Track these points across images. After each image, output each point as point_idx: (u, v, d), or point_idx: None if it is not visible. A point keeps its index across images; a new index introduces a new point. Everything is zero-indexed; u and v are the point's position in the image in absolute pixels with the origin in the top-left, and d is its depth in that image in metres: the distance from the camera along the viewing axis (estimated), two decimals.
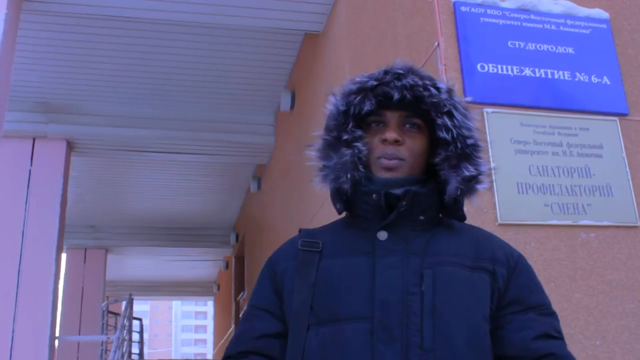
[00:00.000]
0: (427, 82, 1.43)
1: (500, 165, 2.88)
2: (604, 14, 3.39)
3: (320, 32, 5.64)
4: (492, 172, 1.47)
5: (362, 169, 1.41)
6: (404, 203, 1.37)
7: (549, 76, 3.15)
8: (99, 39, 6.09)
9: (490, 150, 2.89)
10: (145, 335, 17.12)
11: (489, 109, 2.98)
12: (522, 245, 2.78)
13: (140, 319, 13.07)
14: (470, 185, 1.41)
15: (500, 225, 2.79)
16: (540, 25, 3.25)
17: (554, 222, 2.88)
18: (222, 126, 7.71)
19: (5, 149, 7.20)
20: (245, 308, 1.49)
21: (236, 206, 11.66)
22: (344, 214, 1.52)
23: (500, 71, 3.08)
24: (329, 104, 1.49)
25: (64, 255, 11.47)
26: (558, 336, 1.40)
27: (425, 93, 1.41)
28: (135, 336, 12.32)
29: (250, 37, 6.11)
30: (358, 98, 1.43)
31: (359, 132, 1.43)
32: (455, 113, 1.42)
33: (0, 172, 7.16)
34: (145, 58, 6.47)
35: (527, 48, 3.18)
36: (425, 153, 1.45)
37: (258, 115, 7.80)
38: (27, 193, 7.33)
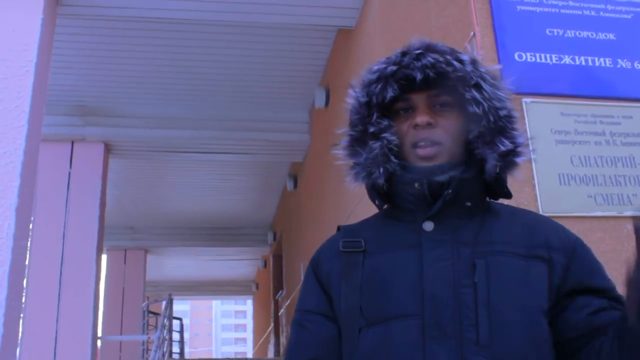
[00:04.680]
0: (449, 57, 1.33)
1: (540, 156, 2.81)
2: None
3: (353, 27, 5.60)
4: (530, 142, 1.37)
5: (394, 160, 1.33)
6: (450, 191, 1.28)
7: (590, 63, 3.06)
8: (134, 41, 6.14)
9: (530, 141, 2.82)
10: (186, 335, 17.29)
11: (528, 99, 2.90)
12: None
13: (180, 319, 13.19)
14: (508, 159, 1.31)
15: None
16: (579, 12, 3.16)
17: (598, 213, 2.79)
18: (257, 125, 7.72)
19: (44, 153, 7.27)
20: (295, 314, 1.43)
21: (273, 205, 11.69)
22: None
23: (538, 60, 3.00)
24: (349, 97, 1.40)
25: (104, 257, 11.65)
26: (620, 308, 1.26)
27: (449, 68, 1.31)
28: (176, 335, 12.44)
29: (283, 34, 6.10)
30: (379, 86, 1.34)
31: (385, 122, 1.34)
32: (484, 84, 1.32)
33: (40, 176, 7.25)
34: (180, 59, 6.51)
35: (566, 35, 3.09)
36: (461, 132, 1.35)
37: (293, 113, 7.80)
38: (67, 196, 7.45)
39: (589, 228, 2.76)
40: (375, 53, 4.74)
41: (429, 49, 1.35)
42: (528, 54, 3.00)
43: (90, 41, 6.09)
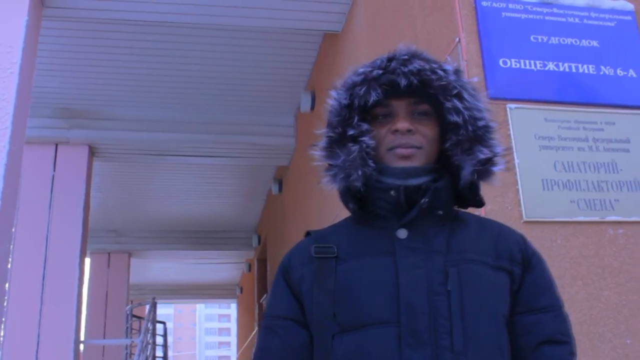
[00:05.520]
0: (434, 65, 1.36)
1: (524, 161, 2.83)
2: (629, 5, 3.32)
3: (339, 31, 5.61)
4: (507, 152, 1.40)
5: (372, 164, 1.34)
6: (426, 200, 1.31)
7: (573, 70, 3.09)
8: (120, 43, 6.11)
9: (514, 146, 2.84)
10: (170, 339, 17.22)
11: (512, 105, 2.92)
12: (548, 243, 2.73)
13: (164, 323, 13.13)
14: (486, 168, 1.35)
15: (525, 222, 2.74)
16: (564, 19, 3.19)
17: (581, 218, 2.82)
18: (242, 128, 7.71)
19: (28, 155, 7.21)
20: (265, 319, 1.44)
21: (258, 208, 11.67)
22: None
23: (523, 66, 3.03)
24: (330, 98, 1.42)
25: (87, 260, 11.57)
26: (563, 340, 1.35)
27: (433, 76, 1.34)
28: (159, 339, 12.38)
29: (270, 38, 6.10)
30: (363, 89, 1.36)
31: (365, 126, 1.36)
32: (465, 94, 1.36)
33: (23, 178, 7.20)
34: (165, 62, 6.49)
35: (550, 42, 3.12)
36: (437, 139, 1.39)
37: (278, 117, 7.79)
38: (51, 198, 7.39)
39: (571, 233, 2.78)
40: (361, 58, 4.76)
41: (415, 55, 1.38)
42: (513, 60, 3.03)
43: (75, 43, 6.06)
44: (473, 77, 2.88)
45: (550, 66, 3.06)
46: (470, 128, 1.34)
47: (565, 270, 2.71)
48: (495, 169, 1.36)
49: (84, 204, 7.48)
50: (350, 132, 1.36)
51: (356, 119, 1.36)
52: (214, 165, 9.13)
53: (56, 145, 7.57)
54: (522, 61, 3.04)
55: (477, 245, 1.35)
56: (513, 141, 2.85)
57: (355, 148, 1.34)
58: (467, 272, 1.29)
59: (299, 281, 1.38)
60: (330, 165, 1.38)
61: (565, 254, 2.74)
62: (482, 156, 1.34)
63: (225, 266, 15.72)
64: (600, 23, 3.24)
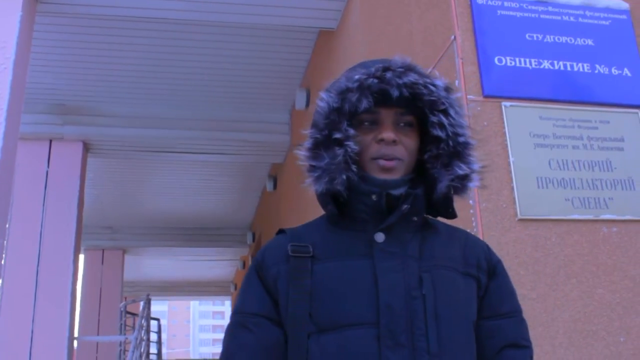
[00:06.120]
0: (427, 80, 1.39)
1: (519, 159, 2.84)
2: (624, 4, 3.33)
3: (334, 29, 5.61)
4: (484, 170, 1.45)
5: (354, 169, 1.36)
6: (408, 206, 1.35)
7: (568, 68, 3.09)
8: (114, 39, 6.10)
9: (509, 144, 2.85)
10: (164, 336, 17.20)
11: (507, 103, 2.93)
12: (542, 241, 2.74)
13: (158, 319, 13.12)
14: (462, 183, 1.39)
15: (520, 220, 2.74)
16: (559, 17, 3.19)
17: (575, 216, 2.83)
18: (237, 125, 7.70)
19: (22, 151, 7.21)
20: (235, 316, 1.41)
21: (252, 206, 11.67)
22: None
23: (518, 64, 3.03)
24: (320, 100, 1.42)
25: (82, 257, 11.55)
26: (523, 344, 1.42)
27: (425, 91, 1.37)
28: (153, 336, 12.37)
29: (265, 35, 6.09)
30: (355, 96, 1.36)
31: (351, 131, 1.37)
32: (451, 111, 1.39)
33: (17, 175, 7.16)
34: (160, 58, 6.47)
35: (545, 40, 3.12)
36: (417, 150, 1.42)
37: (273, 114, 7.79)
38: (45, 195, 7.37)
39: (565, 231, 2.79)
40: (356, 55, 4.76)
41: (409, 68, 1.40)
42: (508, 58, 3.03)
43: (70, 39, 6.04)
44: (468, 75, 2.90)
45: (546, 64, 3.06)
46: (451, 143, 1.38)
47: (560, 268, 2.72)
48: (470, 185, 1.40)
49: (78, 200, 7.47)
50: (337, 135, 1.37)
51: (345, 123, 1.37)
52: (209, 162, 9.12)
53: (50, 141, 7.55)
54: (517, 59, 3.04)
55: (447, 252, 1.40)
56: (508, 139, 2.85)
57: (340, 152, 1.35)
58: (439, 278, 1.34)
59: (274, 279, 1.38)
60: (312, 166, 1.39)
61: (560, 252, 2.75)
62: (460, 172, 1.38)
63: (219, 263, 15.72)
64: (595, 22, 3.24)
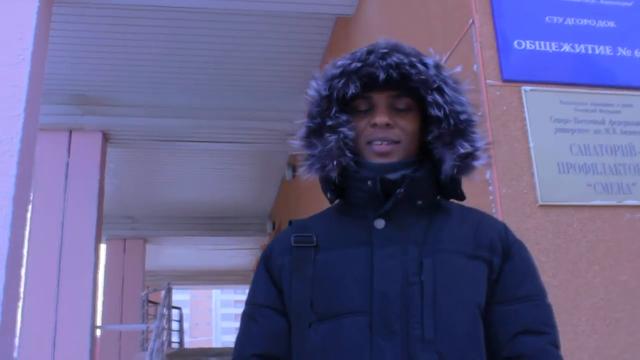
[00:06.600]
0: (413, 59, 1.35)
1: (539, 144, 2.79)
2: None
3: (351, 15, 5.56)
4: (490, 146, 1.40)
5: (349, 154, 1.35)
6: (402, 190, 1.31)
7: (589, 51, 3.03)
8: (132, 29, 6.10)
9: (529, 129, 2.80)
10: (186, 324, 17.33)
11: (527, 87, 2.88)
12: (564, 227, 2.69)
13: (179, 308, 13.22)
14: (466, 162, 1.35)
15: (540, 206, 2.70)
16: None
17: (598, 202, 2.78)
18: (255, 114, 7.69)
19: (42, 142, 7.26)
20: (246, 306, 1.46)
21: (272, 194, 11.68)
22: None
23: (538, 48, 2.97)
24: (311, 89, 1.42)
25: (104, 246, 11.65)
26: (541, 330, 1.32)
27: (412, 70, 1.34)
28: (175, 325, 12.46)
29: (282, 22, 6.06)
30: (341, 82, 1.35)
31: (344, 117, 1.36)
32: (446, 88, 1.35)
33: (38, 165, 7.25)
34: (178, 47, 6.47)
35: (565, 23, 3.06)
36: (418, 132, 1.39)
37: (291, 102, 7.74)
38: (66, 185, 7.43)
39: (587, 217, 2.74)
40: (373, 41, 4.70)
41: (394, 49, 1.37)
42: (527, 42, 2.97)
43: (88, 29, 6.05)
44: (487, 59, 2.85)
45: (566, 47, 3.01)
46: (451, 122, 1.34)
47: (582, 254, 2.67)
48: (476, 163, 1.36)
49: (99, 190, 7.52)
50: (329, 122, 1.36)
51: (334, 110, 1.37)
52: (228, 151, 9.13)
53: (70, 131, 7.60)
54: (537, 42, 2.98)
55: (456, 234, 1.36)
56: (528, 124, 2.81)
57: (332, 138, 1.34)
58: (442, 262, 1.30)
59: (279, 269, 1.40)
60: (308, 155, 1.39)
61: (582, 238, 2.70)
62: (462, 150, 1.34)
63: (240, 252, 15.78)
64: (617, 3, 3.17)
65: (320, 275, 1.33)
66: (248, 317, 1.43)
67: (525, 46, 2.96)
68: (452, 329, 1.26)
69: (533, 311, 1.34)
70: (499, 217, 2.62)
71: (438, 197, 1.42)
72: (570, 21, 3.08)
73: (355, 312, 1.28)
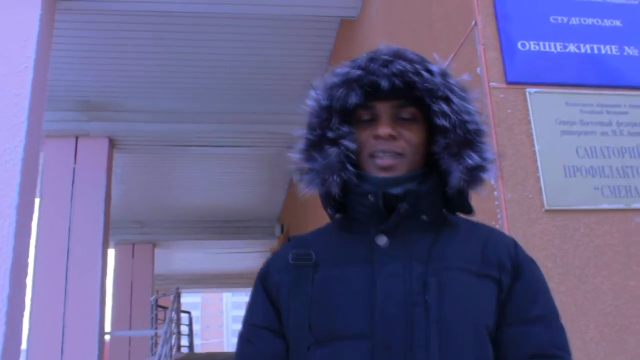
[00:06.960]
0: (418, 66, 1.27)
1: (544, 147, 2.74)
2: None
3: (355, 17, 5.53)
4: (498, 158, 1.32)
5: (350, 168, 1.27)
6: (405, 205, 1.24)
7: (595, 51, 2.97)
8: (136, 35, 6.09)
9: (534, 132, 2.75)
10: (197, 327, 17.34)
11: (532, 89, 2.82)
12: (571, 232, 2.64)
13: (188, 312, 13.22)
14: (474, 174, 1.27)
15: (547, 211, 2.65)
16: None
17: (605, 206, 2.72)
18: (262, 117, 7.67)
19: (48, 149, 7.31)
20: (242, 327, 1.39)
21: (280, 197, 11.66)
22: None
23: (542, 48, 2.92)
24: (309, 99, 1.34)
25: (112, 251, 11.66)
26: (555, 355, 1.24)
27: (417, 78, 1.26)
28: (184, 329, 12.46)
29: (287, 26, 6.04)
30: (341, 91, 1.28)
31: (345, 129, 1.29)
32: (452, 97, 1.27)
33: (44, 172, 7.26)
34: (182, 52, 6.46)
35: (570, 23, 3.01)
36: (423, 143, 1.31)
37: (298, 105, 7.70)
38: (72, 191, 7.43)
39: (595, 221, 2.69)
40: (377, 44, 4.67)
41: (397, 55, 1.30)
42: (532, 43, 2.92)
43: (91, 36, 6.04)
44: (490, 61, 2.80)
45: (571, 48, 2.95)
46: (459, 132, 1.26)
47: (589, 259, 2.62)
48: (484, 175, 1.29)
49: (105, 195, 7.52)
50: (329, 134, 1.29)
51: (334, 120, 1.29)
52: (235, 154, 9.12)
53: (76, 138, 7.61)
54: (541, 43, 2.93)
55: (463, 251, 1.28)
56: (533, 127, 2.75)
57: (332, 151, 1.27)
58: (448, 281, 1.22)
59: (277, 288, 1.32)
60: (308, 169, 1.31)
61: (589, 242, 2.65)
62: (471, 162, 1.26)
63: (249, 255, 15.76)
64: (623, 1, 3.12)
65: (318, 296, 1.26)
66: (243, 339, 1.36)
67: (530, 47, 2.91)
68: (459, 353, 1.18)
69: (546, 334, 1.26)
70: (504, 222, 2.57)
71: (444, 211, 1.35)
72: (575, 21, 3.02)
73: (356, 335, 1.20)
